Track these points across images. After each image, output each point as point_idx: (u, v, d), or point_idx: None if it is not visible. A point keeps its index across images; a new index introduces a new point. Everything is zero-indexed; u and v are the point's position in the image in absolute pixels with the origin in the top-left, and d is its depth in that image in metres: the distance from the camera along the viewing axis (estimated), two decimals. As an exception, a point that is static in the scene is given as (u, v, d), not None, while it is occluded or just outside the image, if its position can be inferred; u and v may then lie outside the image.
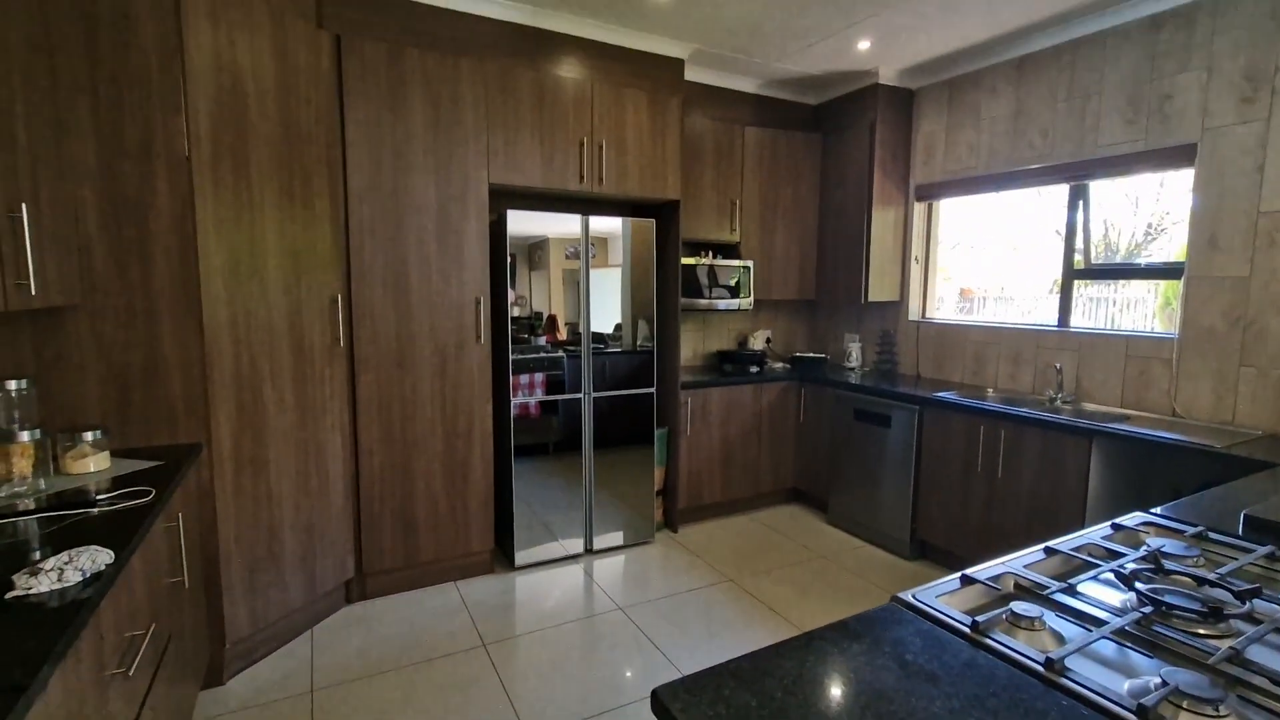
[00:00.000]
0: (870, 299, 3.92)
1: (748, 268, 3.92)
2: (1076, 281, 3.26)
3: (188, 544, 1.89)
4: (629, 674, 2.31)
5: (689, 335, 4.22)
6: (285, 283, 2.35)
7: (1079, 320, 3.27)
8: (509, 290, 3.01)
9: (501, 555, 3.25)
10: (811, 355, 4.23)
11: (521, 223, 2.99)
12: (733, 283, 3.88)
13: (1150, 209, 3.14)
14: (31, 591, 1.21)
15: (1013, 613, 0.98)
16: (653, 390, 3.41)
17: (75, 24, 1.87)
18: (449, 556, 2.95)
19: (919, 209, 4.00)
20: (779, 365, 4.26)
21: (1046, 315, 3.43)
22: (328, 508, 2.57)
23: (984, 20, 3.10)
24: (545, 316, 3.17)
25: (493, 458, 3.03)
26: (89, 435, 1.82)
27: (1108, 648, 0.93)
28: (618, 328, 3.32)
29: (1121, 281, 3.18)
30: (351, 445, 2.69)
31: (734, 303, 3.90)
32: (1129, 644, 0.93)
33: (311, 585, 2.51)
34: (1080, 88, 3.12)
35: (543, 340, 3.14)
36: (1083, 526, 2.60)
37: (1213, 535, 1.33)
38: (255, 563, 2.29)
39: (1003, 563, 1.18)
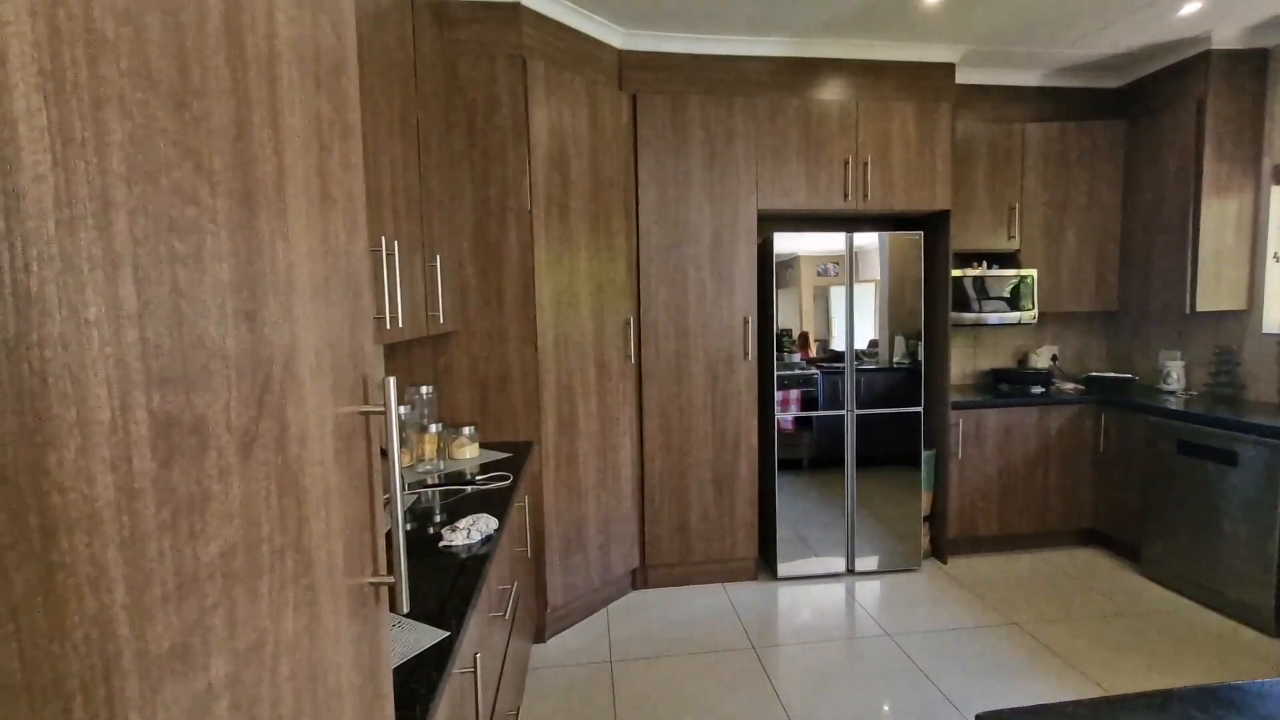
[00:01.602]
0: (1199, 308, 3.27)
1: (1028, 277, 3.54)
2: None
3: (529, 522, 2.34)
4: (900, 702, 2.25)
5: (958, 352, 3.93)
6: (592, 308, 2.78)
7: None
8: (774, 311, 3.14)
9: (764, 564, 3.37)
10: (1115, 376, 3.65)
11: (779, 243, 3.11)
12: (1007, 294, 3.54)
13: None
14: (453, 544, 1.63)
15: None
16: (919, 409, 3.26)
17: (461, 112, 2.47)
18: (716, 559, 3.16)
19: (1278, 193, 3.23)
20: (1069, 386, 3.75)
21: None
22: (620, 503, 2.94)
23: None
24: (798, 334, 3.23)
25: (757, 469, 3.18)
26: (466, 430, 2.36)
27: None
28: (873, 344, 3.25)
29: None
30: (638, 450, 3.04)
31: (1011, 316, 3.54)
32: None
33: (606, 569, 2.90)
34: None
35: (797, 357, 3.21)
36: None
37: None
38: (568, 544, 2.72)
39: None
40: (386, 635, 0.92)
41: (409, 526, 1.75)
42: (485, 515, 1.76)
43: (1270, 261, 3.26)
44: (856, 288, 3.22)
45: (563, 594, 2.69)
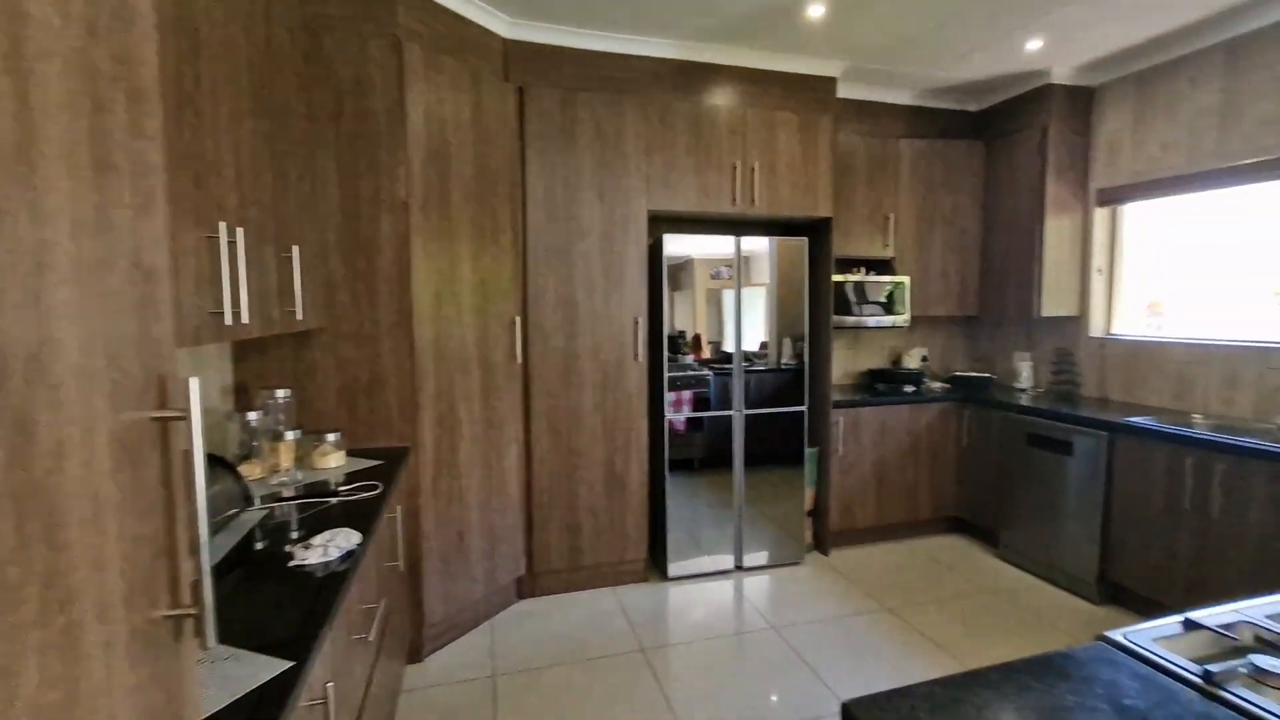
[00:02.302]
0: (1044, 314, 3.62)
1: (901, 283, 3.78)
2: (1314, 292, 2.80)
3: (402, 534, 2.19)
4: (784, 693, 2.31)
5: (839, 353, 4.13)
6: (476, 307, 2.66)
7: None
8: (665, 311, 3.15)
9: (654, 565, 3.37)
10: (975, 375, 3.97)
11: (669, 245, 3.13)
12: (884, 298, 3.76)
13: None
14: (306, 563, 1.48)
15: (1256, 667, 0.90)
16: (803, 409, 3.39)
17: (329, 93, 2.27)
18: (607, 562, 3.11)
19: (1100, 215, 3.64)
20: (937, 385, 4.04)
21: (1269, 331, 2.97)
22: (506, 509, 2.83)
23: (1181, 4, 2.80)
24: (691, 336, 3.27)
25: (647, 470, 3.17)
26: (330, 436, 2.17)
27: None
28: (763, 346, 3.35)
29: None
30: (525, 453, 2.94)
31: (886, 319, 3.77)
32: None
33: (491, 579, 2.78)
34: (1315, 69, 2.71)
35: (690, 359, 3.24)
36: (1333, 579, 2.21)
37: None
38: (448, 555, 2.58)
39: (1236, 610, 1.07)
40: (192, 676, 0.80)
41: (259, 545, 1.58)
42: (346, 530, 1.62)
43: (1094, 274, 3.66)
44: (748, 291, 3.29)
45: (442, 608, 2.55)
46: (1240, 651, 0.99)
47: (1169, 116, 3.27)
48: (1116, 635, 1.01)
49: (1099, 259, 3.67)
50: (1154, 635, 1.01)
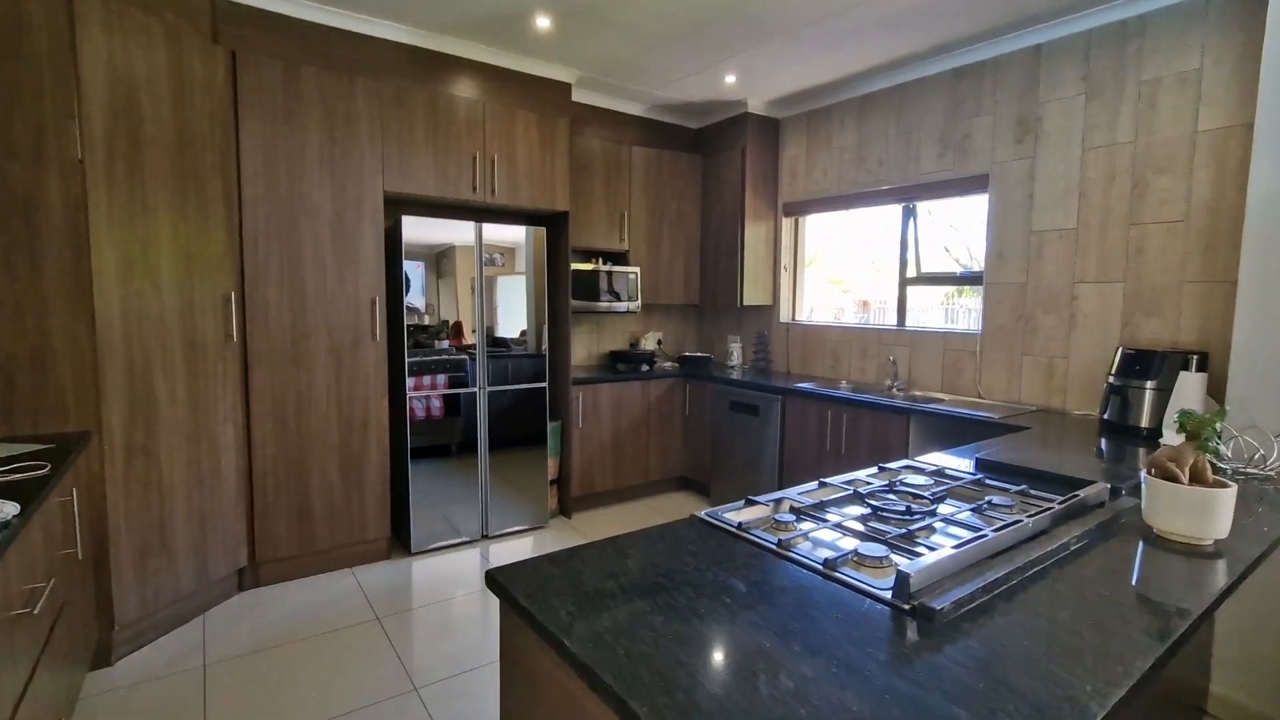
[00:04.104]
0: (745, 303, 4.39)
1: (634, 273, 4.29)
2: (909, 287, 3.84)
3: (80, 524, 1.99)
4: (514, 635, 2.57)
5: (585, 337, 4.53)
6: (179, 281, 2.47)
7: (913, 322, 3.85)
8: (404, 293, 3.21)
9: (399, 544, 3.42)
10: (698, 355, 4.65)
11: (425, 232, 3.21)
12: (622, 287, 4.23)
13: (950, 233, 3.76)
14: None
15: (774, 521, 1.34)
16: (545, 385, 3.69)
17: (-37, 31, 1.96)
18: (345, 544, 3.09)
19: (787, 224, 4.52)
20: (668, 364, 4.65)
21: (889, 318, 4.00)
22: (220, 497, 2.67)
23: (826, 63, 3.64)
24: (451, 323, 3.39)
25: (389, 451, 3.21)
26: (-25, 422, 1.90)
27: (831, 535, 1.30)
28: (523, 333, 3.59)
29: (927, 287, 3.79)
30: (245, 437, 2.80)
31: (624, 305, 4.25)
32: (848, 533, 1.30)
33: (204, 572, 2.61)
34: (906, 124, 3.71)
35: (446, 344, 3.36)
36: (903, 490, 3.10)
37: (949, 471, 1.76)
38: (146, 549, 2.38)
39: (784, 492, 1.55)
40: None
41: None
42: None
43: (782, 271, 4.54)
44: (508, 279, 3.49)
45: (138, 607, 2.35)
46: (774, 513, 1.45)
47: (826, 149, 4.19)
48: (701, 513, 1.40)
49: (785, 259, 4.55)
50: (726, 510, 1.42)
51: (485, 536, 3.54)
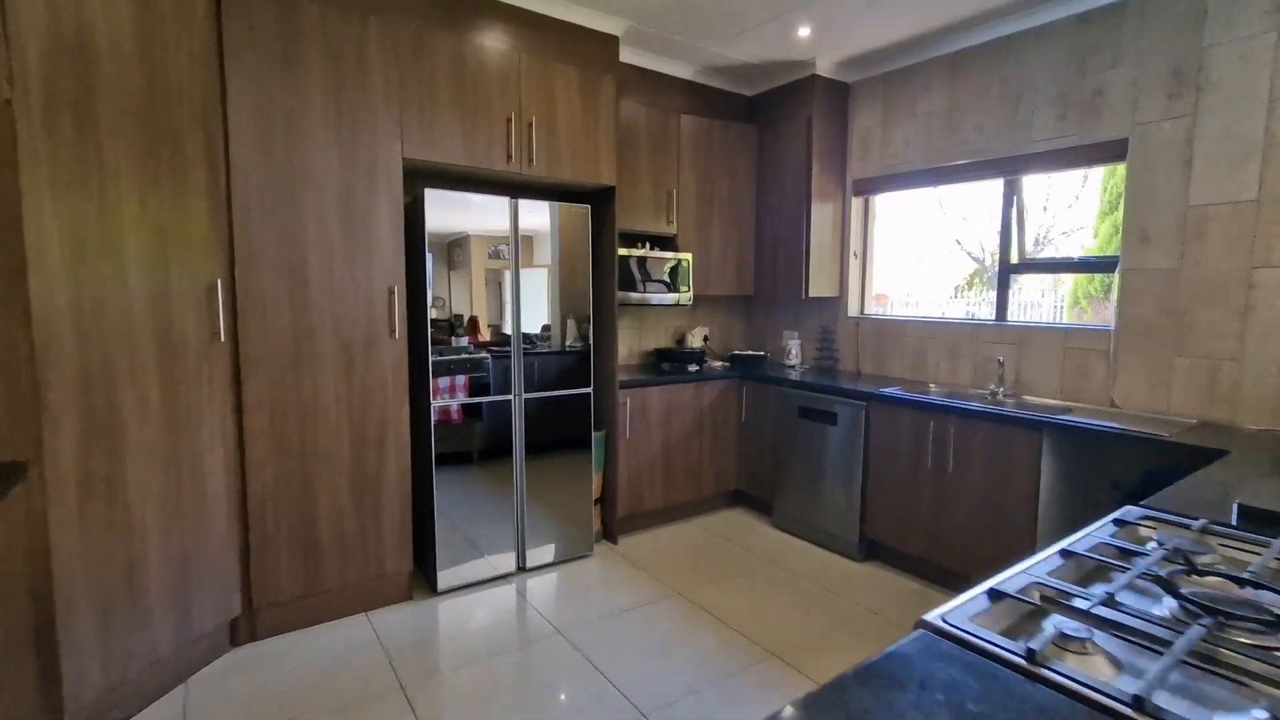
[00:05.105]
0: (810, 295, 3.84)
1: (684, 261, 3.74)
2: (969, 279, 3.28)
3: (20, 580, 1.48)
4: (572, 705, 2.05)
5: (622, 332, 3.99)
6: (148, 265, 1.95)
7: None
8: (427, 281, 2.68)
9: (421, 578, 2.90)
10: (751, 354, 4.10)
11: (440, 217, 2.67)
12: (667, 276, 3.68)
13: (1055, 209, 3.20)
14: None
15: (1061, 634, 0.81)
16: (589, 390, 3.16)
17: None
18: (359, 581, 2.58)
19: (856, 204, 3.96)
20: (718, 364, 4.11)
21: (983, 310, 3.45)
22: (206, 533, 2.16)
23: (921, 11, 3.06)
24: (467, 318, 2.86)
25: (410, 469, 2.69)
26: None
27: (1147, 661, 0.77)
28: (545, 328, 3.05)
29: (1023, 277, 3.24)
30: (237, 458, 2.28)
31: (670, 297, 3.70)
32: (1197, 663, 0.77)
33: (185, 627, 2.10)
34: (1013, 84, 3.13)
35: (464, 341, 2.83)
36: (1036, 521, 2.55)
37: (1216, 528, 1.23)
38: (109, 606, 1.86)
39: (1025, 570, 1.02)
40: None
41: None
42: None
43: (851, 258, 3.98)
44: (528, 272, 2.95)
45: (99, 681, 1.83)
46: (1037, 614, 0.93)
47: (908, 117, 3.61)
48: (935, 620, 0.88)
49: (855, 244, 3.99)
50: (968, 613, 0.89)
51: (521, 569, 3.02)
